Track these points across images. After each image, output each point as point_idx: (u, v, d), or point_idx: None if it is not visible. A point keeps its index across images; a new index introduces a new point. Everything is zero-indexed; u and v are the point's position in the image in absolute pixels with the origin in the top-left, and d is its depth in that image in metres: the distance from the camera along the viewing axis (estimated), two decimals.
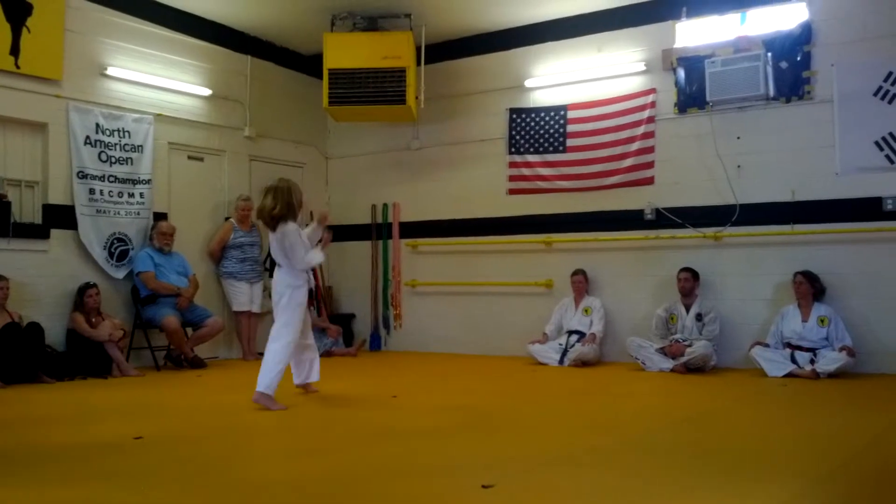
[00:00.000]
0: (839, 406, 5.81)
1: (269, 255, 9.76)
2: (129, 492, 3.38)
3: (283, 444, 4.51)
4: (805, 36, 7.90)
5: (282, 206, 5.66)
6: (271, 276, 9.62)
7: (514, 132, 9.51)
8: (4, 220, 7.32)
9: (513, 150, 9.52)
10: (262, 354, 9.21)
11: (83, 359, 7.43)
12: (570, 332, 8.63)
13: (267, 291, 9.65)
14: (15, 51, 7.45)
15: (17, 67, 7.47)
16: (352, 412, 5.68)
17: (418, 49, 9.17)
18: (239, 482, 3.55)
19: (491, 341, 9.51)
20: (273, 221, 5.68)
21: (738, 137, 8.19)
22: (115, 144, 8.29)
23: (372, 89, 8.91)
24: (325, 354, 9.51)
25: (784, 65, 7.97)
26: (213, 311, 8.73)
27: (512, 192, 9.52)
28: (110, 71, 8.30)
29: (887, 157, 7.47)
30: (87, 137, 8.06)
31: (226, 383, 7.36)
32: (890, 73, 7.48)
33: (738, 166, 8.15)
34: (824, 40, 7.83)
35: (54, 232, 7.79)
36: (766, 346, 7.54)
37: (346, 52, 8.98)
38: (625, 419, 5.34)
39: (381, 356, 9.87)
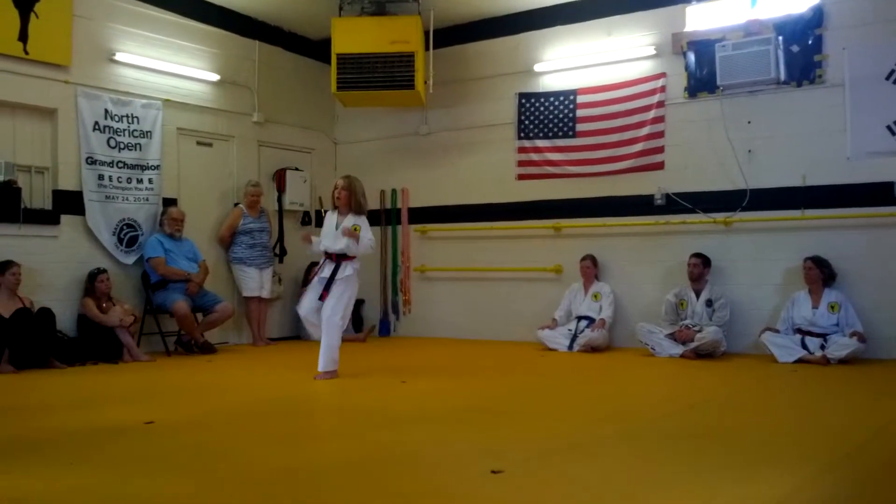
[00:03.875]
0: (849, 392, 5.80)
1: (278, 241, 9.81)
2: (141, 477, 3.40)
3: (292, 430, 4.52)
4: (816, 19, 7.83)
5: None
6: (281, 261, 9.79)
7: (523, 117, 9.47)
8: (15, 206, 7.34)
9: (522, 135, 9.48)
10: (272, 340, 9.39)
11: (94, 344, 7.46)
12: (580, 318, 8.62)
13: (277, 277, 9.69)
14: (23, 36, 7.45)
15: (26, 53, 7.48)
16: (361, 398, 5.69)
17: (426, 33, 9.13)
18: (248, 467, 3.57)
19: (500, 327, 9.51)
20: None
21: (749, 122, 8.14)
22: (124, 130, 8.30)
23: (380, 74, 8.87)
24: None
25: (795, 48, 7.91)
26: (224, 297, 8.75)
27: (521, 177, 9.49)
28: (119, 56, 8.29)
29: None
30: (96, 123, 8.07)
31: (236, 368, 7.38)
32: None
33: (749, 151, 8.11)
34: (836, 24, 7.76)
35: (64, 218, 7.81)
36: (777, 331, 7.52)
37: (355, 36, 8.95)
38: (634, 405, 5.34)
39: (390, 342, 9.89)
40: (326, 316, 6.29)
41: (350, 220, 6.36)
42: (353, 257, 6.38)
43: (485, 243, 9.77)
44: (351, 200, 6.39)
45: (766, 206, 8.02)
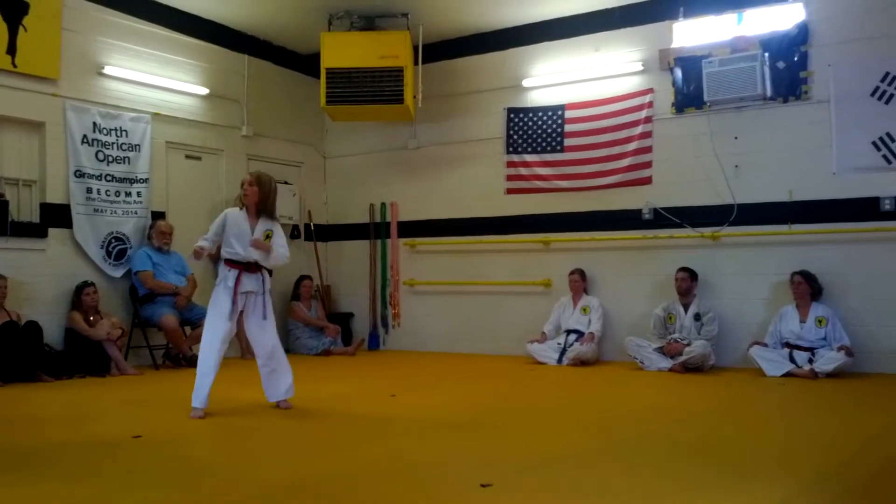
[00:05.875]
0: (837, 406, 5.82)
1: None
2: (128, 491, 3.38)
3: (281, 444, 4.51)
4: (802, 36, 7.90)
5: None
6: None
7: (511, 132, 9.51)
8: (2, 219, 7.30)
9: (510, 149, 9.52)
10: None
11: (81, 357, 7.42)
12: (569, 332, 8.64)
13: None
14: (12, 49, 7.44)
15: (14, 66, 7.46)
16: (350, 411, 5.68)
17: (416, 48, 9.17)
18: (237, 482, 3.55)
19: (489, 341, 9.51)
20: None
21: (736, 137, 8.20)
22: (113, 143, 8.28)
23: (369, 88, 8.89)
24: (324, 353, 9.54)
25: (781, 65, 7.98)
26: None
27: (510, 191, 9.52)
28: (107, 70, 8.28)
29: (884, 157, 7.48)
30: (85, 136, 8.05)
31: (223, 382, 7.34)
32: (887, 74, 7.49)
33: (736, 166, 8.16)
34: (821, 41, 7.84)
35: (52, 231, 7.78)
36: (765, 345, 7.55)
37: (344, 51, 8.97)
38: (623, 419, 5.35)
39: (379, 355, 9.87)
40: (273, 345, 5.57)
41: (262, 226, 5.49)
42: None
43: (474, 257, 9.78)
44: (260, 200, 5.48)
45: (754, 220, 8.06)
